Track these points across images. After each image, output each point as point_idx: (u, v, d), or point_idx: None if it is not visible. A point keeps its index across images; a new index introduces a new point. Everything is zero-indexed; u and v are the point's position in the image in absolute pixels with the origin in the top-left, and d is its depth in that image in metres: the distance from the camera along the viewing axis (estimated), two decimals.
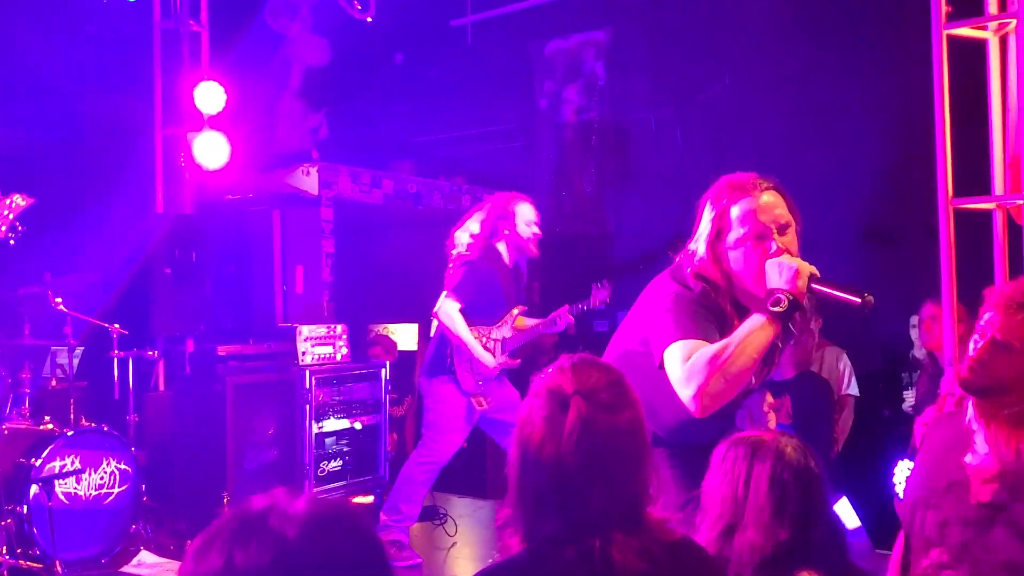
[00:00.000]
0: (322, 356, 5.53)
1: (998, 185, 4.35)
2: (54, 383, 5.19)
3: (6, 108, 5.78)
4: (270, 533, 1.04)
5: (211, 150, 6.14)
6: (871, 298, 2.35)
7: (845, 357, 5.57)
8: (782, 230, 2.50)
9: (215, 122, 6.17)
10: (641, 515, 1.62)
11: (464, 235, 4.77)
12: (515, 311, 4.87)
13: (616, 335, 2.83)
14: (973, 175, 4.40)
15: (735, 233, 2.50)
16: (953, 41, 4.35)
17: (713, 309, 2.50)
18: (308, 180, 6.50)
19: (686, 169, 6.99)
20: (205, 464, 5.12)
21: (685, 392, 2.33)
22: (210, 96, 6.19)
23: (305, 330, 5.46)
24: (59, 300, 4.98)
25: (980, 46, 4.42)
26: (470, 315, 4.70)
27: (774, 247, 2.46)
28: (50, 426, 4.71)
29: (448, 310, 4.65)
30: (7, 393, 5.00)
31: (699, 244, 2.55)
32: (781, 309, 2.37)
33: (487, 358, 4.69)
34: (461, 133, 8.14)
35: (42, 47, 5.90)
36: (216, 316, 6.24)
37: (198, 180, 6.30)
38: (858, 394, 5.60)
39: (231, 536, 1.05)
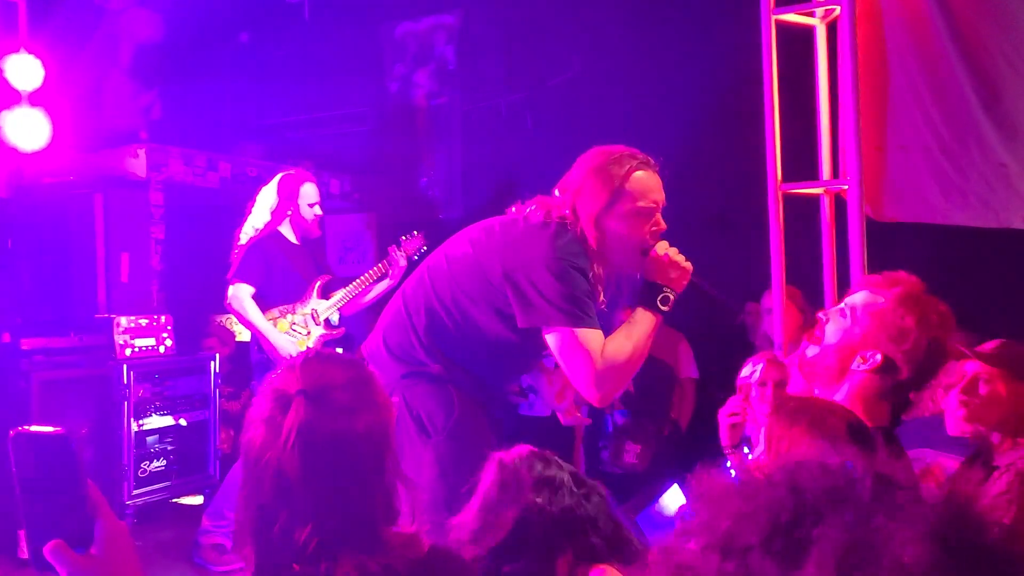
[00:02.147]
0: (144, 348, 5.19)
1: (825, 171, 4.40)
2: None
3: None
4: None
5: (28, 129, 5.69)
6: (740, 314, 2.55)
7: (684, 341, 5.59)
8: (660, 216, 2.58)
9: (34, 99, 5.73)
10: (379, 532, 1.42)
11: (256, 220, 4.61)
12: (317, 283, 4.72)
13: (442, 265, 2.71)
14: (801, 161, 4.44)
15: (629, 202, 2.52)
16: (782, 27, 4.37)
17: (592, 285, 2.53)
18: (136, 162, 6.10)
19: (537, 155, 6.90)
20: (7, 467, 4.71)
21: (595, 390, 2.45)
22: (25, 70, 5.73)
23: (124, 321, 5.11)
24: None
25: (809, 32, 4.46)
26: (268, 298, 4.51)
27: (659, 225, 2.55)
28: None
29: (237, 294, 4.45)
30: None
31: (580, 207, 2.54)
32: (668, 309, 2.48)
33: (282, 341, 4.48)
34: (308, 116, 7.84)
35: None
36: (33, 307, 5.80)
37: (14, 161, 5.84)
38: (698, 376, 5.65)
39: None
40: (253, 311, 4.45)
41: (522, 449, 1.91)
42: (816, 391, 2.22)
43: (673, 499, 3.92)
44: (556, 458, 1.90)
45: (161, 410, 5.18)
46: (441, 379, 2.63)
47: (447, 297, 2.65)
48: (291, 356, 4.41)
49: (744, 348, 5.76)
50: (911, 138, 4.42)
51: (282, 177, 4.73)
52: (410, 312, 2.70)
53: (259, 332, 4.46)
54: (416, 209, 7.62)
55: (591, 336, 2.46)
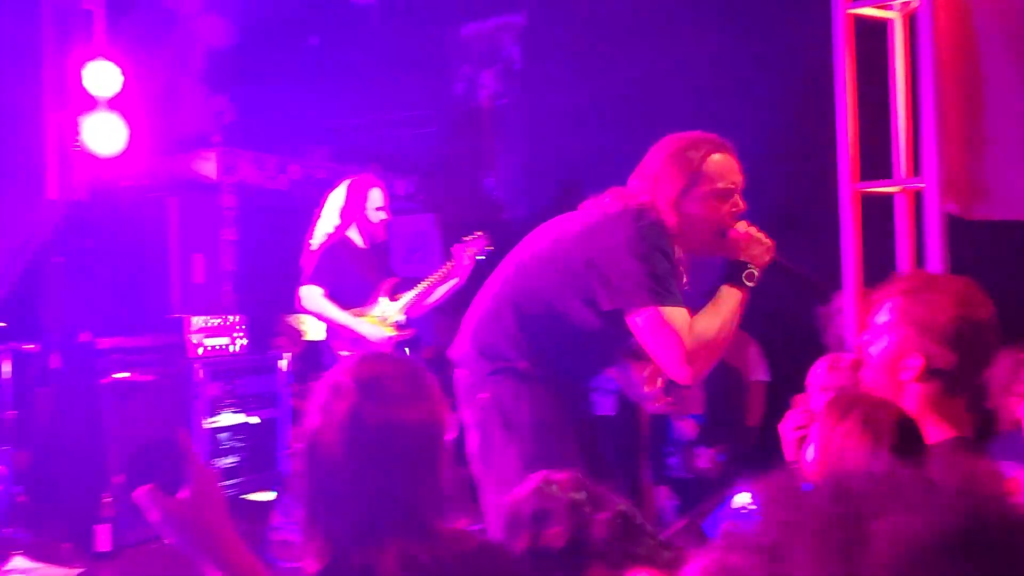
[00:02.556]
0: (216, 347, 5.29)
1: (902, 168, 4.28)
2: None
3: None
4: None
5: (106, 134, 5.86)
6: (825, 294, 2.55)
7: (754, 343, 5.51)
8: (740, 196, 2.62)
9: (111, 105, 5.89)
10: (428, 524, 1.45)
11: (326, 225, 4.68)
12: (386, 286, 4.76)
13: (520, 265, 2.77)
14: (871, 160, 4.33)
15: (707, 185, 2.57)
16: (856, 21, 4.26)
17: (675, 266, 2.56)
18: (208, 165, 6.23)
19: (602, 154, 6.86)
20: (86, 463, 4.85)
21: (684, 367, 2.47)
22: (104, 77, 5.90)
23: (197, 321, 5.21)
24: None
25: (883, 25, 4.35)
26: (338, 303, 4.57)
27: (740, 204, 2.58)
28: None
29: (310, 295, 4.52)
30: None
31: (659, 192, 2.59)
32: (754, 284, 2.50)
33: (365, 328, 4.53)
34: (375, 118, 7.91)
35: None
36: (111, 307, 5.96)
37: (93, 165, 6.00)
38: (768, 379, 5.56)
39: None
40: (329, 307, 4.52)
41: (564, 473, 1.89)
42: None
43: (740, 504, 3.84)
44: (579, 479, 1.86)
45: (233, 408, 5.27)
46: (528, 375, 2.65)
47: (532, 292, 2.68)
48: (380, 340, 4.51)
49: (817, 350, 5.64)
50: (1003, 132, 4.27)
51: (350, 182, 4.79)
52: (498, 311, 2.74)
53: (340, 324, 4.51)
54: (481, 209, 7.63)
55: (677, 314, 2.47)
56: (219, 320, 5.34)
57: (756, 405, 5.52)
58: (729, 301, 2.51)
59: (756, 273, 2.52)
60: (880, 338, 2.12)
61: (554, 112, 7.42)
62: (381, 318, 4.65)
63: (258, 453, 5.41)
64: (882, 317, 2.13)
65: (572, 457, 2.53)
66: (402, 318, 4.82)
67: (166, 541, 1.24)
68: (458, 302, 5.19)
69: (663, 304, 2.46)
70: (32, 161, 5.95)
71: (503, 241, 5.10)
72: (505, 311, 2.71)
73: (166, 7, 6.62)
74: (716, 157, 2.60)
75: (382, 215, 4.74)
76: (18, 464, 4.70)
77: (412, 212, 7.71)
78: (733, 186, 2.61)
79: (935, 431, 1.97)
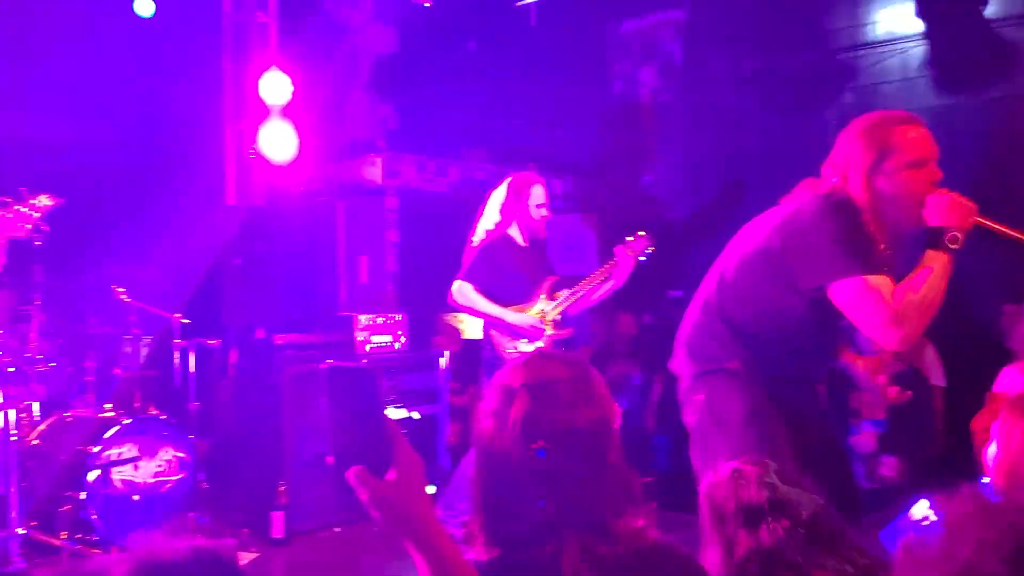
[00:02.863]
0: (380, 345, 5.48)
1: None
2: (119, 372, 5.27)
3: (76, 103, 5.91)
4: None
5: (279, 141, 6.16)
6: None
7: (931, 347, 5.23)
8: (936, 166, 2.58)
9: (284, 113, 6.18)
10: (606, 521, 1.47)
11: (487, 222, 4.71)
12: (545, 285, 4.74)
13: (730, 259, 2.82)
14: None
15: (897, 158, 2.55)
16: None
17: (870, 237, 2.56)
18: (373, 170, 6.46)
19: (767, 151, 6.69)
20: (263, 453, 5.14)
21: (892, 331, 2.46)
22: (276, 86, 6.21)
23: (363, 319, 5.42)
24: (122, 291, 5.07)
25: None
26: (497, 301, 4.59)
27: (935, 172, 2.54)
28: (110, 414, 4.79)
29: (461, 290, 4.56)
30: (69, 382, 5.11)
31: (849, 171, 2.60)
32: (958, 246, 2.46)
33: (524, 318, 4.55)
34: (533, 118, 7.98)
35: (111, 41, 6.01)
36: (283, 306, 6.28)
37: (268, 171, 6.34)
38: (945, 384, 5.28)
39: None
40: (480, 300, 4.56)
41: (760, 463, 1.83)
42: None
43: (919, 514, 3.66)
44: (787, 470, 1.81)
45: (395, 403, 5.44)
46: (737, 373, 2.71)
47: (739, 292, 2.75)
48: (533, 328, 4.54)
49: (998, 354, 5.31)
50: None
51: (512, 179, 4.80)
52: (707, 315, 2.82)
53: (493, 317, 4.55)
54: (639, 209, 7.58)
55: (879, 281, 2.49)
56: (383, 318, 5.54)
57: (936, 412, 5.25)
58: (932, 264, 2.48)
59: (959, 236, 2.47)
60: None
61: (715, 108, 7.30)
62: (539, 315, 4.67)
63: (418, 447, 5.53)
64: None
65: (781, 454, 2.50)
66: (559, 317, 4.81)
67: (375, 519, 1.31)
68: (613, 302, 5.17)
69: (861, 273, 2.48)
70: (213, 169, 6.35)
71: (662, 240, 5.06)
72: (714, 316, 2.79)
73: (336, 18, 6.90)
74: (903, 130, 2.58)
75: (543, 212, 4.73)
76: (201, 452, 5.02)
77: (569, 212, 7.74)
78: (925, 157, 2.57)
79: None
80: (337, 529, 5.16)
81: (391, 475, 1.27)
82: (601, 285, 4.75)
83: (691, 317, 2.88)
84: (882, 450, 5.02)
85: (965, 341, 5.22)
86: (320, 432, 5.23)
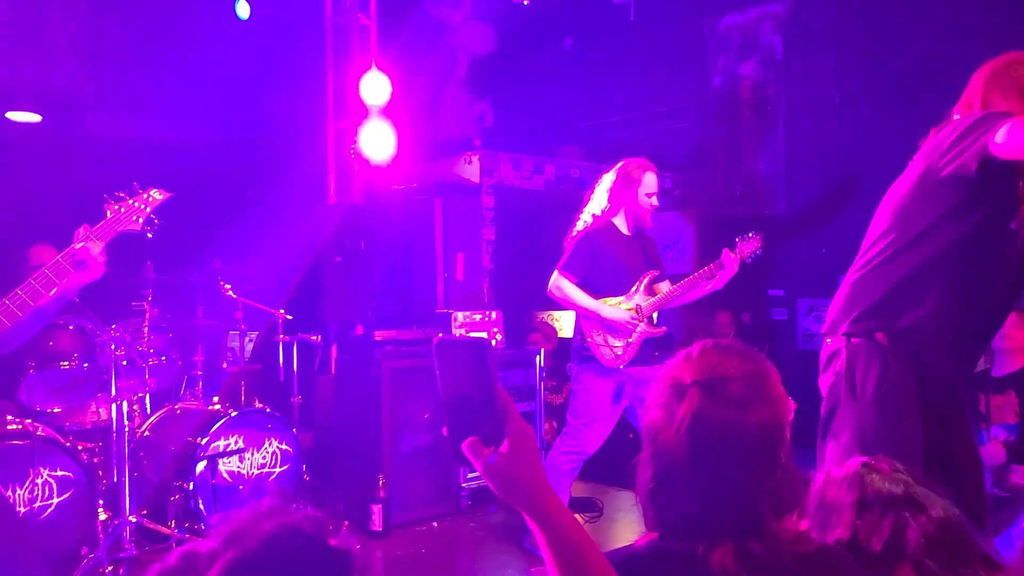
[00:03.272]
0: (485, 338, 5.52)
1: None
2: (225, 366, 5.44)
3: (186, 105, 6.13)
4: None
5: (378, 141, 6.26)
6: None
7: None
8: None
9: (383, 113, 6.28)
10: (766, 524, 1.43)
11: (594, 207, 4.63)
12: (645, 279, 4.64)
13: (878, 222, 2.69)
14: None
15: (1018, 80, 2.48)
16: None
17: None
18: (470, 168, 6.51)
19: (869, 145, 6.49)
20: (362, 446, 5.23)
21: None
22: (376, 87, 6.30)
23: (460, 316, 5.46)
24: (228, 286, 5.24)
25: None
26: (594, 289, 4.53)
27: None
28: (217, 407, 4.94)
29: (558, 283, 4.50)
30: (180, 375, 5.30)
31: (977, 101, 2.52)
32: None
33: (618, 312, 4.47)
34: (629, 115, 7.92)
35: (218, 46, 6.21)
36: (382, 302, 6.38)
37: (367, 170, 6.45)
38: None
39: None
40: (577, 293, 4.50)
41: (886, 462, 1.79)
42: None
43: None
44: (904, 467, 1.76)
45: None
46: (884, 348, 2.60)
47: (901, 233, 2.61)
48: (626, 322, 4.48)
49: None
50: None
51: (624, 163, 4.69)
52: (863, 279, 2.70)
53: (587, 310, 4.50)
54: (738, 205, 7.45)
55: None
56: (480, 315, 5.57)
57: None
58: None
59: None
60: None
61: (816, 102, 7.11)
62: (633, 310, 4.57)
63: None
64: None
65: (909, 438, 2.48)
66: (654, 313, 4.71)
67: (489, 491, 1.34)
68: (712, 300, 5.07)
69: (1009, 119, 2.30)
70: (316, 168, 6.49)
71: (765, 239, 4.94)
72: (867, 279, 2.68)
73: (434, 18, 6.97)
74: None
75: (653, 201, 4.61)
76: (303, 445, 5.14)
77: (667, 208, 7.66)
78: None
79: None
80: (434, 524, 5.23)
81: (504, 446, 1.27)
82: (702, 285, 4.63)
83: (844, 285, 2.77)
84: (1012, 459, 4.79)
85: None
86: (419, 426, 5.30)
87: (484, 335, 5.58)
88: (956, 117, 2.55)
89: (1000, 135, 2.26)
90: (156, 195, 3.18)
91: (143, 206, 3.13)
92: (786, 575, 1.41)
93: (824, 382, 2.72)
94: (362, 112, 6.29)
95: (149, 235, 3.07)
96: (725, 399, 1.45)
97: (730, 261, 4.52)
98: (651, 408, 1.52)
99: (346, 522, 5.04)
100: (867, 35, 6.78)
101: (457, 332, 5.45)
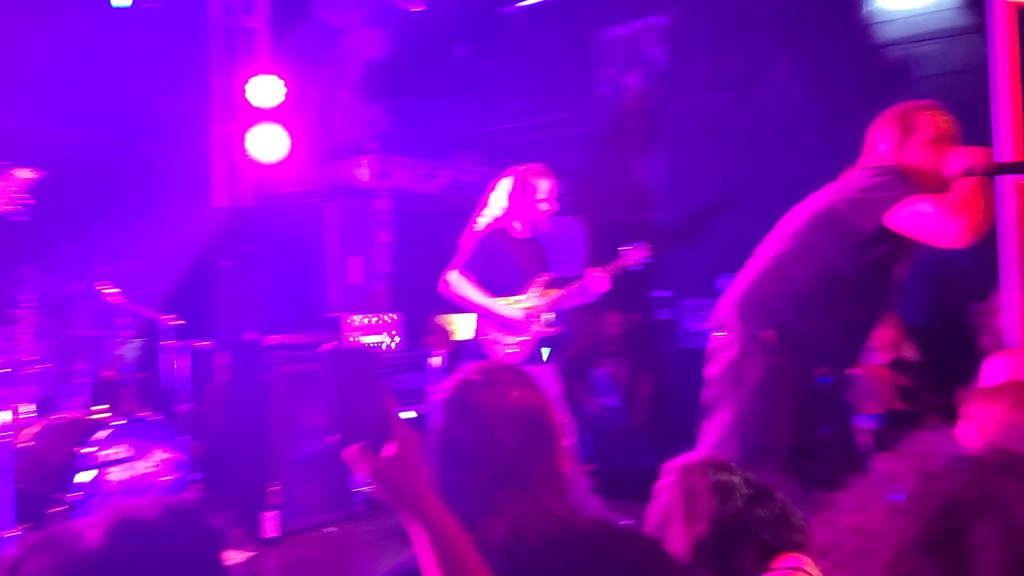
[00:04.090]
0: (372, 345, 5.53)
1: None
2: (109, 374, 5.30)
3: (63, 102, 5.94)
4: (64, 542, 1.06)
5: (269, 143, 6.21)
6: None
7: (910, 342, 5.31)
8: (955, 140, 2.98)
9: (274, 116, 6.24)
10: (545, 502, 1.57)
11: (491, 210, 4.76)
12: (539, 280, 4.77)
13: (782, 233, 3.10)
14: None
15: (921, 133, 2.98)
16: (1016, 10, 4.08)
17: (909, 182, 2.91)
18: (363, 171, 6.52)
19: (748, 153, 6.77)
20: (255, 453, 5.18)
21: (954, 222, 2.73)
22: (267, 90, 6.25)
23: (355, 319, 5.47)
24: (110, 292, 5.10)
25: None
26: (490, 290, 4.64)
27: (955, 145, 2.92)
28: (102, 415, 4.82)
29: (454, 281, 4.61)
30: (62, 383, 5.14)
31: (886, 147, 3.03)
32: (977, 172, 2.75)
33: (513, 310, 4.60)
34: (523, 122, 8.05)
35: (100, 44, 6.04)
36: (275, 307, 6.32)
37: (257, 173, 6.38)
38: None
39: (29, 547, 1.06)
40: (473, 291, 4.60)
41: (697, 456, 2.00)
42: None
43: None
44: (729, 463, 1.95)
45: None
46: (770, 345, 2.96)
47: (795, 258, 3.03)
48: (520, 321, 4.59)
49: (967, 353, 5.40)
50: None
51: (521, 170, 4.83)
52: (758, 280, 3.09)
53: (483, 308, 4.60)
54: (625, 209, 7.66)
55: (926, 197, 2.79)
56: (376, 318, 5.59)
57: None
58: (970, 183, 2.76)
59: (978, 168, 2.77)
60: None
61: (696, 112, 7.38)
62: (528, 309, 4.69)
63: None
64: None
65: (780, 426, 2.84)
66: (550, 314, 4.84)
67: (374, 496, 1.44)
68: (600, 302, 5.24)
69: (909, 195, 2.79)
70: (204, 170, 6.38)
71: (648, 241, 5.14)
72: (763, 286, 3.05)
73: (327, 23, 6.95)
74: (924, 114, 3.01)
75: (548, 206, 4.76)
76: (194, 453, 5.06)
77: (562, 213, 7.79)
78: (945, 131, 2.98)
79: None
80: (329, 529, 5.21)
81: (389, 451, 1.33)
82: (584, 291, 4.83)
83: (742, 283, 3.10)
84: (877, 447, 5.09)
85: (936, 342, 5.31)
86: (312, 432, 5.29)
87: (382, 338, 5.60)
88: (866, 163, 3.04)
89: (898, 213, 2.75)
90: (27, 174, 3.05)
91: (9, 186, 3.00)
92: (560, 549, 1.51)
93: (710, 371, 3.04)
94: (252, 114, 6.22)
95: (25, 217, 2.94)
96: (497, 385, 1.63)
97: (595, 280, 4.73)
98: (433, 409, 1.68)
99: (239, 530, 4.97)
100: (742, 48, 7.07)
101: (353, 336, 5.45)
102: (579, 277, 4.93)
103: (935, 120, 3.01)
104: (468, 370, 1.68)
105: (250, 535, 4.94)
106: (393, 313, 5.70)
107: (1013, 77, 3.99)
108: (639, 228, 7.02)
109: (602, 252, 5.49)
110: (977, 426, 1.84)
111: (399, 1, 6.06)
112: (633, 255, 4.91)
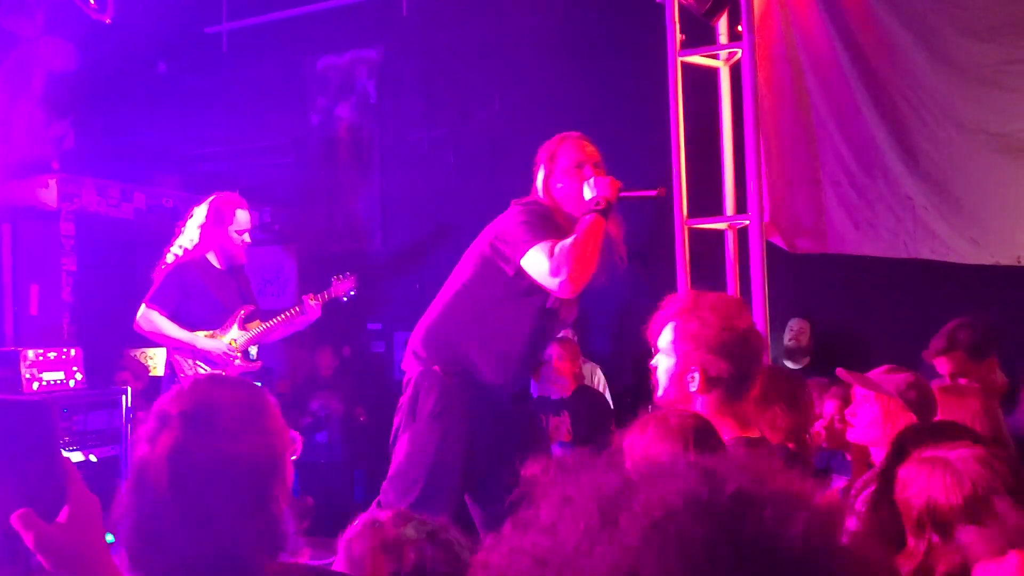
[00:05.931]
0: (52, 382, 5.06)
1: (729, 207, 4.57)
2: None
3: None
4: None
5: None
6: (663, 189, 3.23)
7: (600, 372, 5.70)
8: (597, 166, 3.18)
9: None
10: (252, 563, 1.40)
11: (184, 240, 4.57)
12: (241, 312, 4.65)
13: (456, 272, 3.28)
14: (710, 197, 4.60)
15: (561, 165, 3.17)
16: (689, 69, 4.55)
17: (553, 221, 3.12)
18: (47, 192, 6.00)
19: (458, 188, 6.99)
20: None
21: (556, 279, 2.93)
22: None
23: (31, 354, 4.99)
24: None
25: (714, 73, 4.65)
26: (186, 324, 4.47)
27: (591, 171, 3.13)
28: None
29: (147, 316, 4.40)
30: None
31: (537, 184, 3.23)
32: (602, 208, 2.98)
33: (213, 343, 4.44)
34: (228, 147, 7.79)
35: None
36: None
37: None
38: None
39: None
40: (169, 325, 4.39)
41: (389, 512, 1.89)
42: None
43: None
44: (413, 515, 1.84)
45: (70, 446, 5.05)
46: (438, 376, 3.13)
47: (460, 294, 3.19)
48: (222, 355, 4.41)
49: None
50: (822, 173, 4.64)
51: (214, 198, 4.62)
52: (432, 315, 3.26)
53: (180, 342, 4.40)
54: (337, 240, 7.62)
55: (545, 244, 2.98)
56: (55, 353, 5.12)
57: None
58: (585, 222, 2.96)
59: (603, 203, 3.00)
60: (668, 356, 2.34)
61: (408, 145, 7.51)
62: (230, 343, 4.54)
63: (98, 493, 5.17)
64: (665, 338, 2.34)
65: (453, 450, 3.03)
66: (253, 349, 4.71)
67: (45, 566, 1.19)
68: (313, 336, 5.17)
69: (536, 241, 2.98)
70: None
71: (360, 273, 5.16)
72: (435, 322, 3.22)
73: (4, 29, 6.36)
74: (565, 144, 3.20)
75: (245, 238, 4.58)
76: None
77: (267, 243, 7.61)
78: (581, 159, 3.16)
79: (726, 432, 2.19)
80: (46, 566, 4.69)
81: (62, 516, 1.19)
82: (294, 321, 4.76)
83: (425, 318, 3.27)
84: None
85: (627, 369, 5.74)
86: None
87: (60, 375, 5.15)
88: (519, 199, 3.23)
89: (525, 259, 2.98)
90: None
91: None
92: None
93: (399, 402, 3.22)
94: None
95: None
96: (213, 429, 1.40)
97: (310, 309, 4.73)
98: (137, 442, 1.46)
99: None
100: (452, 87, 7.31)
101: (27, 373, 4.96)
102: (287, 309, 4.84)
103: (577, 146, 3.20)
104: (178, 401, 1.44)
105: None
106: (74, 347, 5.24)
107: (683, 131, 4.43)
108: (350, 259, 7.01)
109: (313, 282, 5.42)
110: (627, 456, 1.98)
111: (88, 10, 5.66)
112: (343, 285, 4.94)
